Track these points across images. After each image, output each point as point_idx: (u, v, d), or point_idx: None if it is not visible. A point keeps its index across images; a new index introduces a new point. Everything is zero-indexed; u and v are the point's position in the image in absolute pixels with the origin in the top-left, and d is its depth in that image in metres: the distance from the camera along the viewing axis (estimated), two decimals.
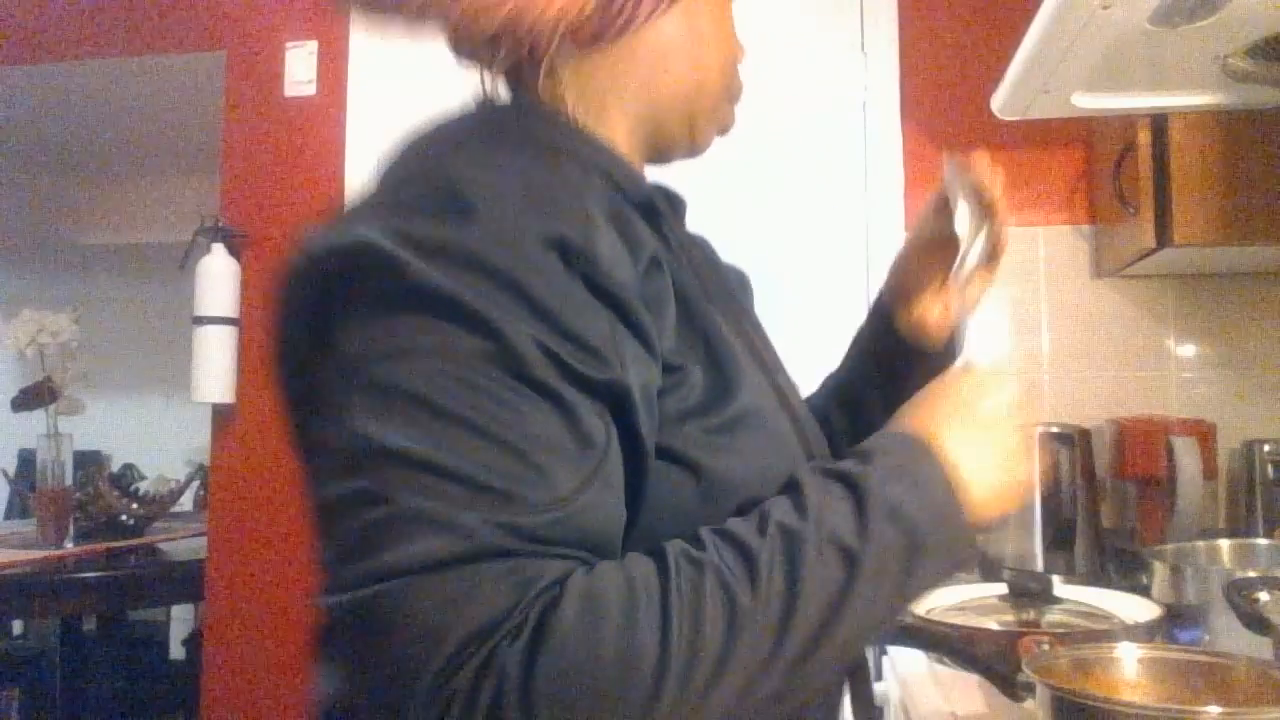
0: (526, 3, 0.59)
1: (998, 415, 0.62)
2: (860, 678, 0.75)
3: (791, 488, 0.56)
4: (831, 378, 0.91)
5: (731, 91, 0.72)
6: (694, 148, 0.71)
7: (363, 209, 0.58)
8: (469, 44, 0.65)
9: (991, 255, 0.81)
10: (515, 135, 0.61)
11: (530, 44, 0.62)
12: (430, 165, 0.57)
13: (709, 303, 0.63)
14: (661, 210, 0.63)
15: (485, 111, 0.65)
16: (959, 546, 0.58)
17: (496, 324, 0.48)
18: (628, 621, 0.47)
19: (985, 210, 0.80)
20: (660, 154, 0.70)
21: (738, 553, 0.51)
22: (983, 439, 0.61)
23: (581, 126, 0.64)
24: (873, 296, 0.93)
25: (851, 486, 0.55)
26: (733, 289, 0.79)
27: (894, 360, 0.86)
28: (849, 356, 0.91)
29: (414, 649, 0.45)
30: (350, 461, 0.50)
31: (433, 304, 0.49)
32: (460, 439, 0.48)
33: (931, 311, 0.85)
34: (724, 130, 0.73)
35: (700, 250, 0.76)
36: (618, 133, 0.66)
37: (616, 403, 0.52)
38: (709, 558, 0.51)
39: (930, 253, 0.85)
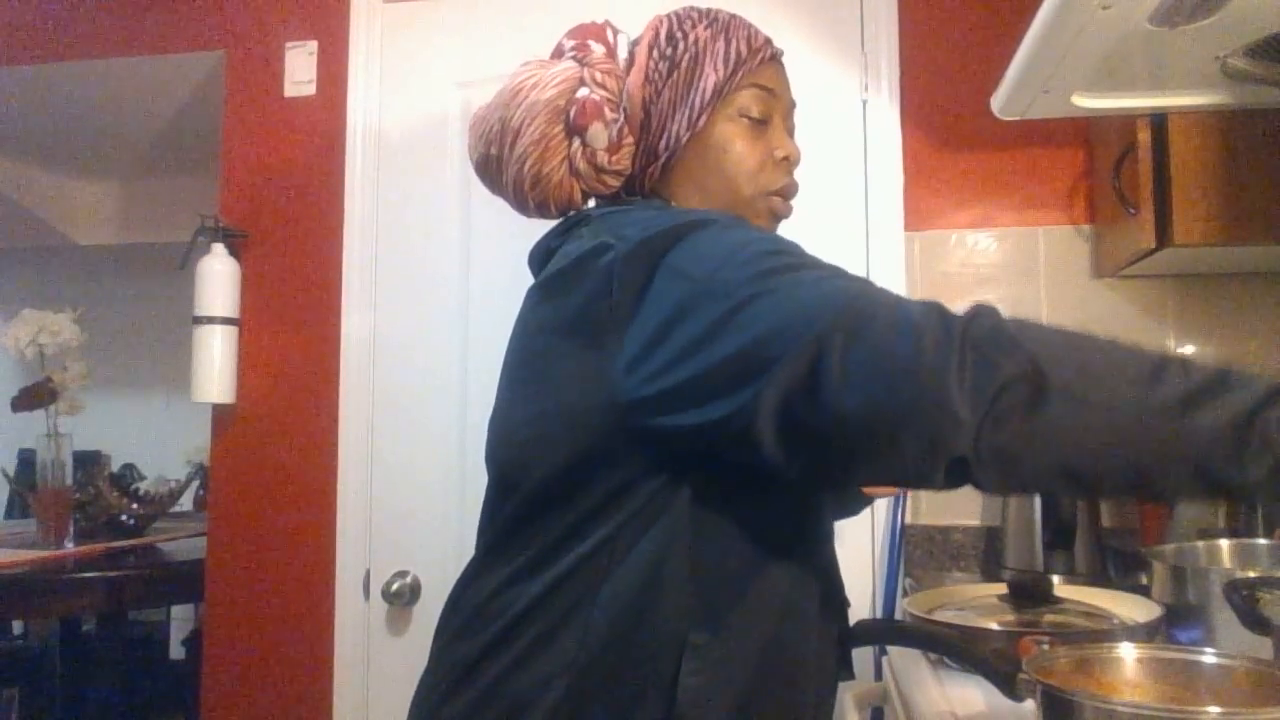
0: (600, 186, 0.96)
1: None
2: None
3: None
4: None
5: (762, 192, 0.95)
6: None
7: (612, 233, 0.82)
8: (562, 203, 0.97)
9: None
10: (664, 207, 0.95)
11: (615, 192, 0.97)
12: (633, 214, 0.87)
13: None
14: None
15: (640, 204, 0.96)
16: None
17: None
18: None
19: None
20: None
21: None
22: None
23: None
24: None
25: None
26: None
27: None
28: None
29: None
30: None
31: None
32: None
33: None
34: (777, 219, 0.98)
35: None
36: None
37: None
38: None
39: None
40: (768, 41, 0.98)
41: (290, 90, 2.11)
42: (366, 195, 2.04)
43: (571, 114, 0.93)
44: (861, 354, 0.66)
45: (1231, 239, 1.40)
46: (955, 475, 0.66)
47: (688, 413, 0.73)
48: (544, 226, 0.97)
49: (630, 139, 0.95)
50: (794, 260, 0.75)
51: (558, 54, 0.98)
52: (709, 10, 0.98)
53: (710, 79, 0.93)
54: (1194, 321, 1.75)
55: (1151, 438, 0.62)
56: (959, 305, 0.68)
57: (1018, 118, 1.17)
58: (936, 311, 0.67)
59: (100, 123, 2.84)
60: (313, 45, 2.11)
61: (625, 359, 0.76)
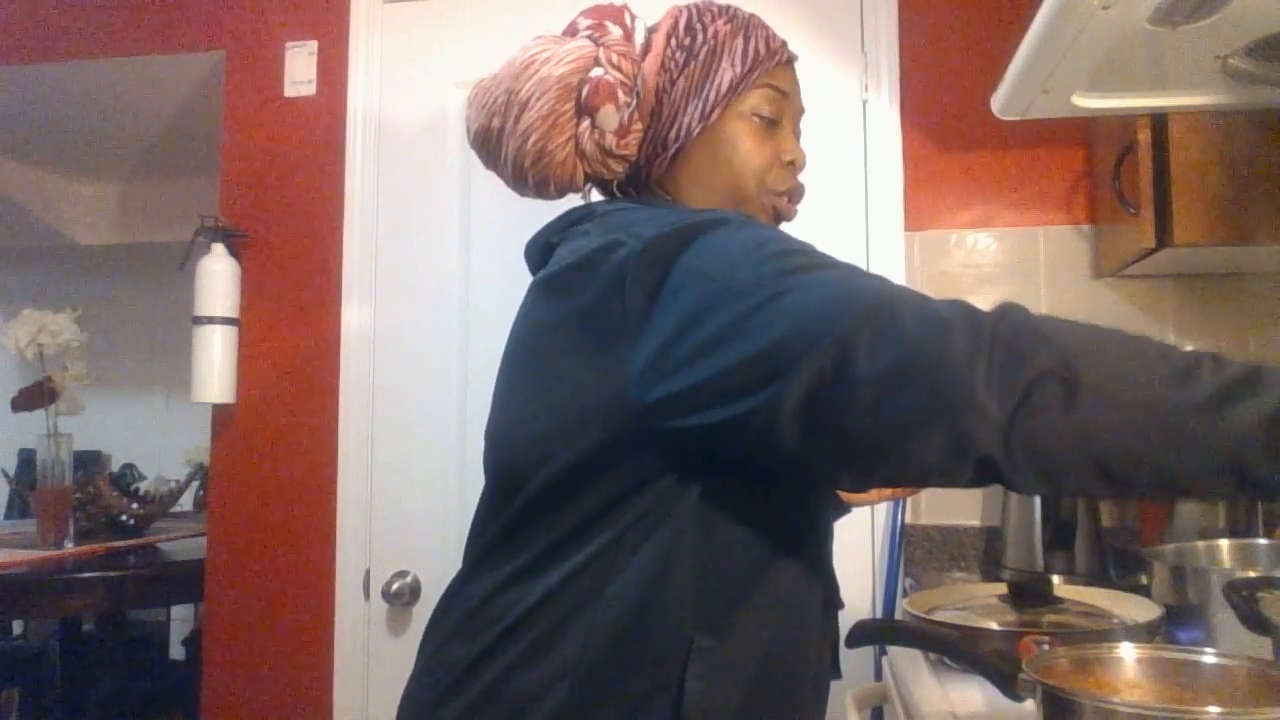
0: (603, 170, 0.95)
1: None
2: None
3: None
4: None
5: (768, 191, 0.95)
6: None
7: (620, 231, 0.82)
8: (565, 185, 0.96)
9: None
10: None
11: (618, 179, 0.97)
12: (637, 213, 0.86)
13: None
14: None
15: (646, 200, 0.96)
16: None
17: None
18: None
19: None
20: None
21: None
22: None
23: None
24: None
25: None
26: None
27: None
28: None
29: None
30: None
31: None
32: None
33: None
34: (780, 220, 0.97)
35: None
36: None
37: None
38: None
39: None
40: (784, 44, 0.98)
41: (290, 90, 2.11)
42: (366, 195, 2.04)
43: (584, 93, 0.91)
44: (888, 350, 0.65)
45: (1231, 239, 1.40)
46: (984, 473, 0.65)
47: (711, 410, 0.72)
48: (548, 218, 0.94)
49: (639, 125, 0.93)
50: (812, 259, 0.75)
51: (571, 32, 0.96)
52: (728, 6, 0.98)
53: (727, 74, 0.93)
54: (1194, 321, 1.75)
55: (1185, 435, 0.61)
56: (984, 303, 0.68)
57: (1018, 118, 1.18)
58: (963, 308, 0.67)
59: (100, 123, 2.84)
60: (313, 45, 2.11)
61: (642, 360, 0.75)
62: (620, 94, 0.91)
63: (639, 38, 0.96)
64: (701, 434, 0.74)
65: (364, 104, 2.06)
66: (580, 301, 0.80)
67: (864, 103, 1.87)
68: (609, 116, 0.91)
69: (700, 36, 0.94)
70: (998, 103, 1.16)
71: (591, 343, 0.78)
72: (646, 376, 0.74)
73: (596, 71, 0.91)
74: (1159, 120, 1.43)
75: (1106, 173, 1.58)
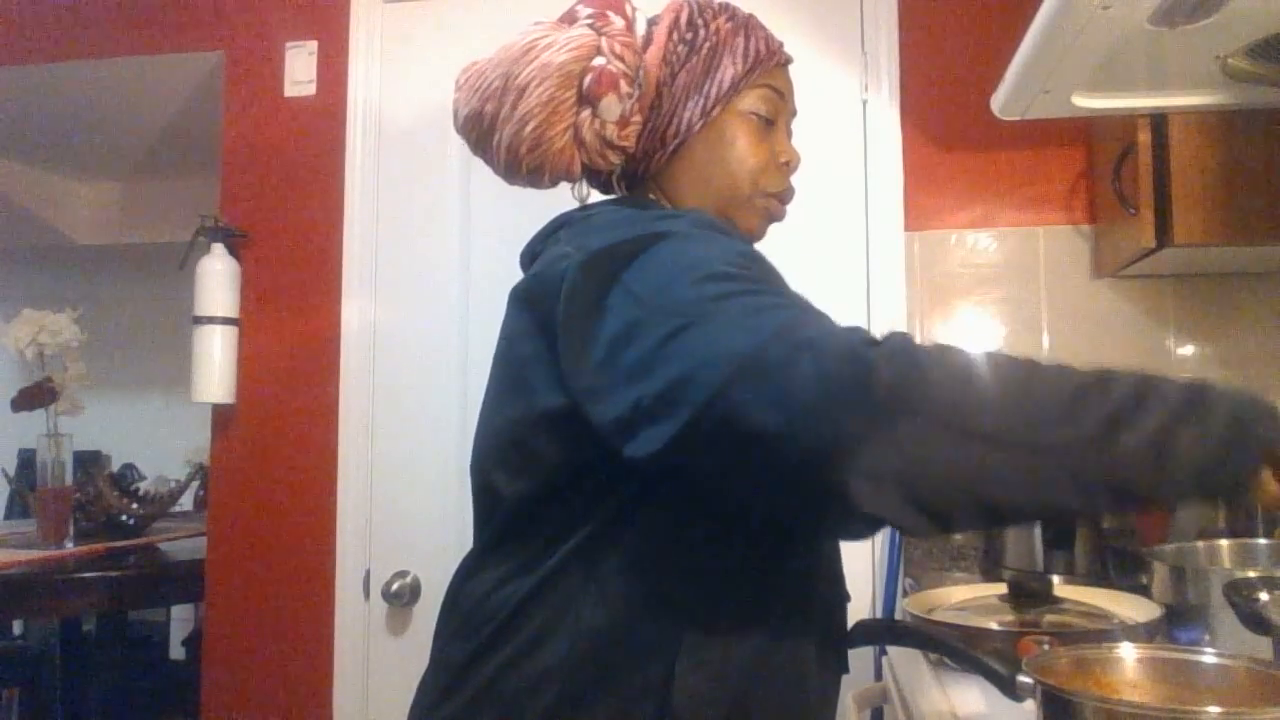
0: (601, 161, 0.94)
1: None
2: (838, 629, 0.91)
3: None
4: None
5: (761, 192, 0.95)
6: (750, 235, 0.96)
7: (576, 241, 0.82)
8: (564, 175, 0.95)
9: None
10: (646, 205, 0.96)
11: (615, 171, 0.96)
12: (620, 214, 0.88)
13: None
14: None
15: (622, 201, 0.96)
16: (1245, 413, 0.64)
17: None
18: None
19: None
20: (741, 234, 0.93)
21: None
22: None
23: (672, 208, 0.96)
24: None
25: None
26: None
27: None
28: None
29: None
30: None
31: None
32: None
33: None
34: (771, 220, 0.98)
35: None
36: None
37: None
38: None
39: None
40: (782, 45, 0.98)
41: (290, 90, 2.11)
42: (366, 195, 2.04)
43: (586, 82, 0.90)
44: (771, 402, 0.64)
45: (1231, 239, 1.40)
46: (875, 526, 0.66)
47: (633, 444, 0.71)
48: (547, 220, 0.94)
49: (638, 117, 0.93)
50: (739, 285, 0.72)
51: (569, 19, 0.95)
52: (728, 4, 0.98)
53: (728, 72, 0.93)
54: (1194, 321, 1.75)
55: (1072, 470, 0.62)
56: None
57: (1018, 118, 1.18)
58: (856, 349, 0.65)
59: (100, 123, 2.84)
60: (313, 45, 2.11)
61: (584, 378, 0.75)
62: (623, 84, 0.90)
63: (639, 29, 0.96)
64: (644, 464, 0.72)
65: (364, 104, 2.06)
66: (539, 312, 0.81)
67: (864, 103, 1.87)
68: (611, 106, 0.90)
69: (702, 33, 0.94)
70: (998, 103, 1.16)
71: (547, 354, 0.79)
72: (589, 396, 0.75)
73: (599, 60, 0.90)
74: (1159, 120, 1.43)
75: (1106, 173, 1.58)
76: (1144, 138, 1.45)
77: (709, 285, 0.72)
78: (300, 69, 2.11)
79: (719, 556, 0.81)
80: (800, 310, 0.71)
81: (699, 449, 0.67)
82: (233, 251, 2.07)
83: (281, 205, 2.10)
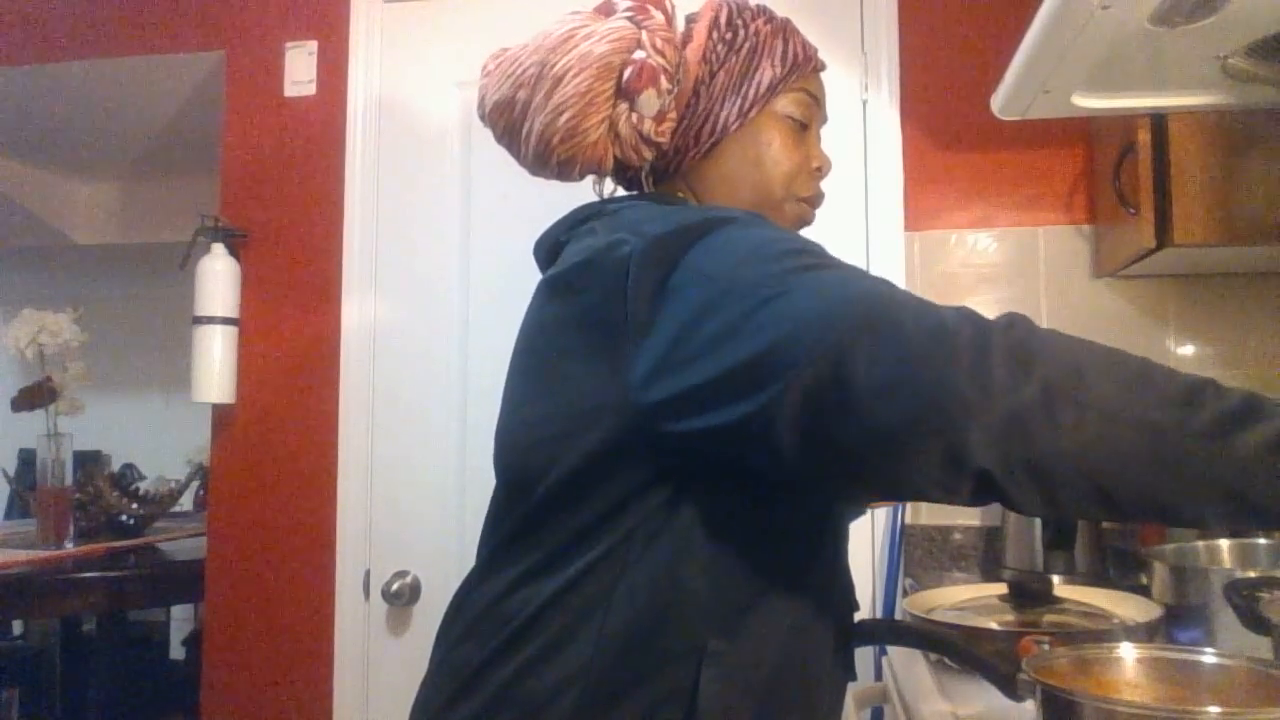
0: (634, 156, 0.92)
1: None
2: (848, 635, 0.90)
3: None
4: None
5: (793, 196, 0.95)
6: None
7: (625, 230, 0.81)
8: (593, 169, 0.94)
9: None
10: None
11: (645, 167, 0.95)
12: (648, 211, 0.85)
13: None
14: None
15: (653, 197, 0.93)
16: None
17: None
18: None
19: None
20: None
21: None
22: None
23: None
24: None
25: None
26: None
27: None
28: None
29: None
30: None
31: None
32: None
33: None
34: (801, 225, 0.97)
35: None
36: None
37: None
38: None
39: None
40: (817, 51, 0.98)
41: (290, 90, 2.11)
42: (366, 195, 2.04)
43: (626, 75, 0.88)
44: (887, 359, 0.63)
45: (1231, 239, 1.40)
46: (982, 490, 0.63)
47: (707, 415, 0.70)
48: (548, 221, 0.93)
49: (674, 114, 0.92)
50: (817, 259, 0.73)
51: (607, 11, 0.93)
52: (764, 7, 0.98)
53: (766, 74, 0.93)
54: (1194, 321, 1.75)
55: (1188, 460, 0.60)
56: (985, 303, 0.67)
57: (1018, 118, 1.17)
58: (969, 317, 0.65)
59: (100, 123, 2.84)
60: (313, 45, 2.11)
61: (645, 361, 0.73)
62: (663, 80, 0.89)
63: (679, 26, 0.95)
64: (702, 438, 0.72)
65: (364, 104, 2.06)
66: (585, 301, 0.79)
67: (864, 103, 1.87)
68: (650, 101, 0.89)
69: (742, 33, 0.94)
70: (998, 103, 1.16)
71: (595, 343, 0.77)
72: (648, 378, 0.73)
73: (639, 54, 0.89)
74: (1159, 120, 1.43)
75: (1106, 173, 1.58)
76: (1144, 138, 1.45)
77: (788, 260, 0.72)
78: (300, 69, 2.11)
79: (748, 563, 0.80)
80: (889, 283, 0.71)
81: (792, 412, 0.66)
82: (233, 251, 2.07)
83: (281, 205, 2.10)
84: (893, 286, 0.71)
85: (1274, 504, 0.60)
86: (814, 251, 0.75)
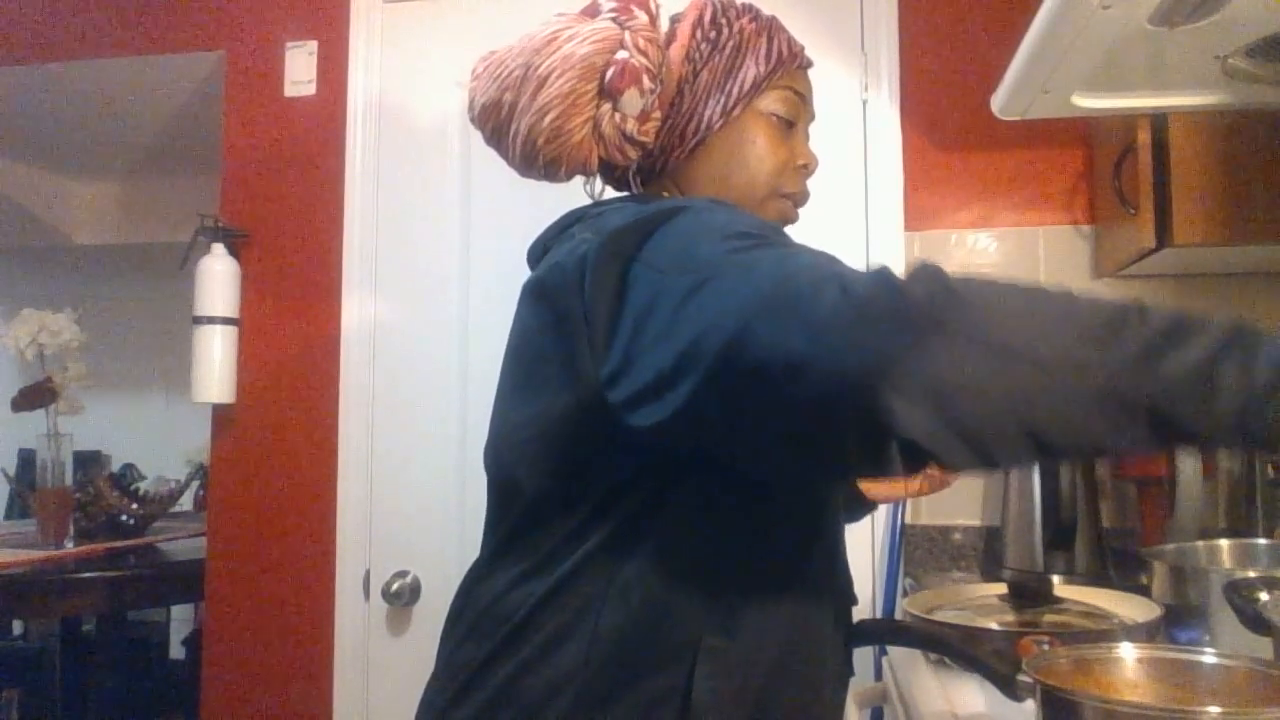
0: (619, 155, 0.93)
1: None
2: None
3: None
4: None
5: (777, 193, 0.95)
6: None
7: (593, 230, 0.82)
8: (580, 169, 0.95)
9: None
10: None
11: (632, 167, 0.96)
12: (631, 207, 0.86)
13: None
14: None
15: (636, 197, 0.94)
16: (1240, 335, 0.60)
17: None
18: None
19: None
20: None
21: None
22: None
23: None
24: None
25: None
26: None
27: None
28: None
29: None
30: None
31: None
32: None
33: None
34: (785, 223, 0.97)
35: None
36: None
37: None
38: None
39: None
40: (803, 49, 0.99)
41: (290, 90, 2.11)
42: (366, 195, 2.04)
43: (608, 75, 0.89)
44: (796, 337, 0.61)
45: (1231, 239, 1.40)
46: (913, 459, 0.60)
47: (654, 411, 0.69)
48: (547, 221, 0.94)
49: (659, 113, 0.93)
50: (760, 240, 0.71)
51: (592, 12, 0.94)
52: (750, 5, 0.98)
53: (750, 71, 0.93)
54: None
55: (1114, 395, 0.59)
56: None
57: (1018, 118, 1.18)
58: (884, 280, 0.62)
59: (100, 123, 2.84)
60: (313, 45, 2.11)
61: (610, 362, 0.73)
62: (645, 79, 0.90)
63: (662, 26, 0.96)
64: (658, 433, 0.71)
65: (364, 104, 2.06)
66: (557, 305, 0.80)
67: (864, 103, 1.87)
68: (632, 101, 0.90)
69: (726, 31, 0.94)
70: (998, 103, 1.16)
71: (569, 346, 0.78)
72: (612, 377, 0.73)
73: (622, 54, 0.90)
74: (1159, 120, 1.43)
75: (1106, 173, 1.58)
76: (1144, 138, 1.45)
77: (731, 241, 0.71)
78: (300, 69, 2.11)
79: (740, 559, 0.80)
80: (826, 256, 0.68)
81: (717, 402, 0.65)
82: (233, 251, 2.07)
83: (281, 205, 2.10)
84: (824, 258, 0.68)
85: (1201, 424, 0.59)
86: (758, 235, 0.73)
